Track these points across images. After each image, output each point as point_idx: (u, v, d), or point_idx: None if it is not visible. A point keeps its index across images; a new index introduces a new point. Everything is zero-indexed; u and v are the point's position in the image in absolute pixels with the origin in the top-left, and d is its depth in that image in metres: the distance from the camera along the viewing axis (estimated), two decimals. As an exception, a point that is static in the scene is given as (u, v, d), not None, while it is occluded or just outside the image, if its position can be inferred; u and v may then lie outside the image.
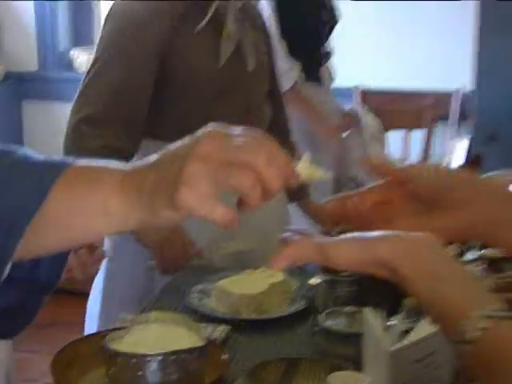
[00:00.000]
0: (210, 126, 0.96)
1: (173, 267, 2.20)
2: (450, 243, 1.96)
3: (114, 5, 2.40)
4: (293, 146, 2.79)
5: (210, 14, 2.37)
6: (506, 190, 1.10)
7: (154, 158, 0.96)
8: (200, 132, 0.95)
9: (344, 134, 3.59)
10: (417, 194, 1.05)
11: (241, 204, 0.92)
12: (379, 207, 1.06)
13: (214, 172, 0.90)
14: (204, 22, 2.37)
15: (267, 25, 2.80)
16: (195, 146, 0.92)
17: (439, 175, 1.07)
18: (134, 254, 2.36)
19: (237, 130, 0.95)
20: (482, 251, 1.64)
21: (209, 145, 0.92)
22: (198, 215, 0.90)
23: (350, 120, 3.64)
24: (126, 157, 2.29)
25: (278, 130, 2.69)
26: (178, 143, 0.96)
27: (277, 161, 0.92)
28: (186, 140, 0.95)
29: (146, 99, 2.35)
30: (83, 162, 1.03)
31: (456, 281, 0.90)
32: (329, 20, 3.27)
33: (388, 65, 4.19)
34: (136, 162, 0.99)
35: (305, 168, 0.99)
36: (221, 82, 2.42)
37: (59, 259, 1.11)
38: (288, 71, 2.85)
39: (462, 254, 1.91)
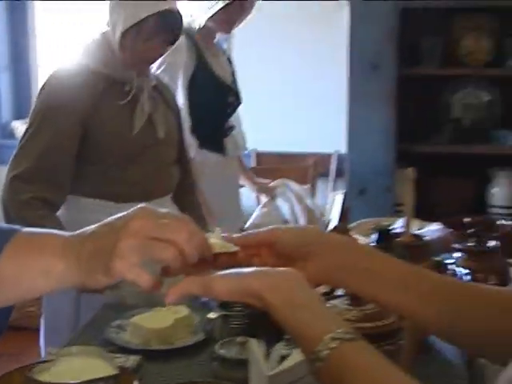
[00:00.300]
0: (141, 206, 1.00)
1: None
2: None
3: (46, 81, 2.41)
4: (198, 205, 2.80)
5: (132, 93, 2.41)
6: (349, 242, 1.13)
7: (91, 229, 1.00)
8: (132, 211, 0.99)
9: (259, 208, 3.62)
10: (279, 251, 1.07)
11: (164, 271, 0.98)
12: (253, 259, 1.08)
13: (143, 246, 0.95)
14: (126, 100, 2.40)
15: (178, 102, 2.82)
16: (128, 223, 0.96)
17: (294, 233, 1.10)
18: (62, 294, 2.34)
19: (163, 210, 1.01)
20: None
21: (139, 222, 0.96)
22: (128, 280, 0.95)
23: (265, 192, 3.67)
24: (53, 208, 2.32)
25: (185, 190, 2.71)
26: (112, 218, 1.00)
27: (195, 239, 0.97)
28: (120, 216, 0.99)
29: (70, 160, 2.36)
30: (29, 230, 1.06)
31: (313, 308, 0.92)
32: (233, 102, 3.28)
33: (279, 131, 4.22)
34: (75, 232, 1.02)
35: (215, 241, 1.04)
36: (134, 148, 2.43)
37: (5, 311, 1.12)
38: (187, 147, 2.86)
39: (332, 290, 1.93)
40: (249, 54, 3.80)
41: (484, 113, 3.84)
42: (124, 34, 2.36)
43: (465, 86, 3.84)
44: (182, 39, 3.07)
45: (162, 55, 2.53)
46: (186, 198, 2.70)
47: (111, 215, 1.00)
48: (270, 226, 1.10)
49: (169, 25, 2.42)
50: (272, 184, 3.66)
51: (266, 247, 1.09)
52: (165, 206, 2.54)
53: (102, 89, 2.38)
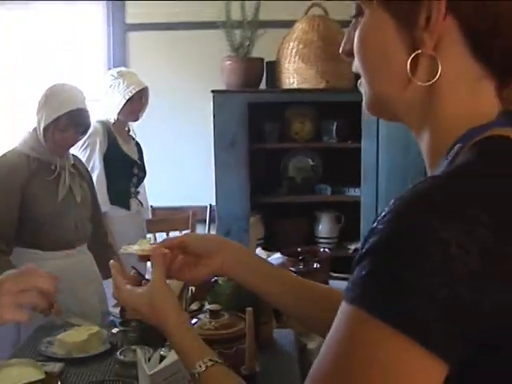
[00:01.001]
0: (5, 275, 1.09)
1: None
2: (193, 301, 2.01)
3: None
4: (111, 246, 2.79)
5: (56, 171, 2.44)
6: (239, 245, 1.12)
7: None
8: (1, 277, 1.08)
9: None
10: (191, 252, 1.09)
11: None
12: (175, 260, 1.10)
13: (16, 297, 1.05)
14: (53, 176, 2.43)
15: (91, 174, 2.83)
16: (1, 285, 1.06)
17: (201, 239, 1.11)
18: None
19: (23, 268, 1.12)
20: (210, 306, 1.73)
21: (7, 284, 1.06)
22: (13, 321, 1.05)
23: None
24: (6, 255, 2.33)
25: (99, 237, 2.72)
26: None
27: (43, 277, 1.08)
28: None
29: (14, 220, 2.35)
30: None
31: (192, 340, 0.99)
32: (138, 173, 3.33)
33: (168, 190, 4.20)
34: None
35: (146, 246, 1.06)
36: (59, 210, 2.45)
37: None
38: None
39: (200, 308, 2.00)
40: (147, 135, 3.78)
41: (310, 173, 3.92)
42: (46, 128, 2.39)
43: (296, 155, 3.92)
44: (99, 127, 3.12)
45: (76, 142, 2.55)
46: (100, 243, 2.72)
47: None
48: (184, 232, 1.13)
49: (79, 120, 2.44)
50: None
51: (181, 249, 1.09)
52: (83, 252, 2.58)
53: (34, 168, 2.41)
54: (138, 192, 3.38)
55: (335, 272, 3.43)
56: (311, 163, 3.94)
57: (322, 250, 2.95)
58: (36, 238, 2.42)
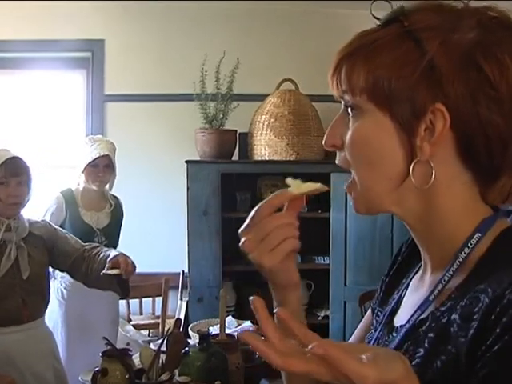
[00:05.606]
0: None
1: None
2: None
3: None
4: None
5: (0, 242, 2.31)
6: None
7: None
8: None
9: None
10: None
11: None
12: None
13: None
14: None
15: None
16: None
17: None
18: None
19: None
20: (179, 378, 1.72)
21: None
22: None
23: None
24: None
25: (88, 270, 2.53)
26: None
27: None
28: None
29: None
30: None
31: None
32: (102, 242, 3.19)
33: (142, 257, 4.15)
34: None
35: (301, 184, 0.81)
36: (2, 285, 2.31)
37: None
38: None
39: (171, 378, 2.00)
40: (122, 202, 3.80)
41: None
42: None
43: (267, 224, 4.02)
44: (59, 197, 3.09)
45: (23, 196, 2.36)
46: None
47: None
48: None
49: (16, 167, 2.33)
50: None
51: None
52: (34, 328, 2.39)
53: None
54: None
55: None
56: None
57: (291, 318, 2.97)
58: None
